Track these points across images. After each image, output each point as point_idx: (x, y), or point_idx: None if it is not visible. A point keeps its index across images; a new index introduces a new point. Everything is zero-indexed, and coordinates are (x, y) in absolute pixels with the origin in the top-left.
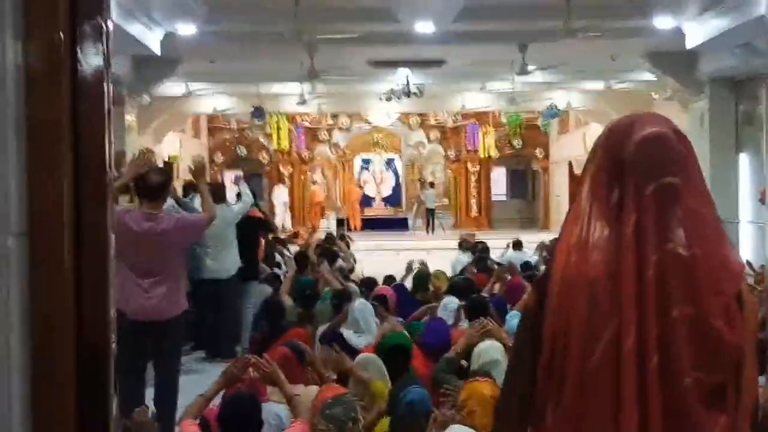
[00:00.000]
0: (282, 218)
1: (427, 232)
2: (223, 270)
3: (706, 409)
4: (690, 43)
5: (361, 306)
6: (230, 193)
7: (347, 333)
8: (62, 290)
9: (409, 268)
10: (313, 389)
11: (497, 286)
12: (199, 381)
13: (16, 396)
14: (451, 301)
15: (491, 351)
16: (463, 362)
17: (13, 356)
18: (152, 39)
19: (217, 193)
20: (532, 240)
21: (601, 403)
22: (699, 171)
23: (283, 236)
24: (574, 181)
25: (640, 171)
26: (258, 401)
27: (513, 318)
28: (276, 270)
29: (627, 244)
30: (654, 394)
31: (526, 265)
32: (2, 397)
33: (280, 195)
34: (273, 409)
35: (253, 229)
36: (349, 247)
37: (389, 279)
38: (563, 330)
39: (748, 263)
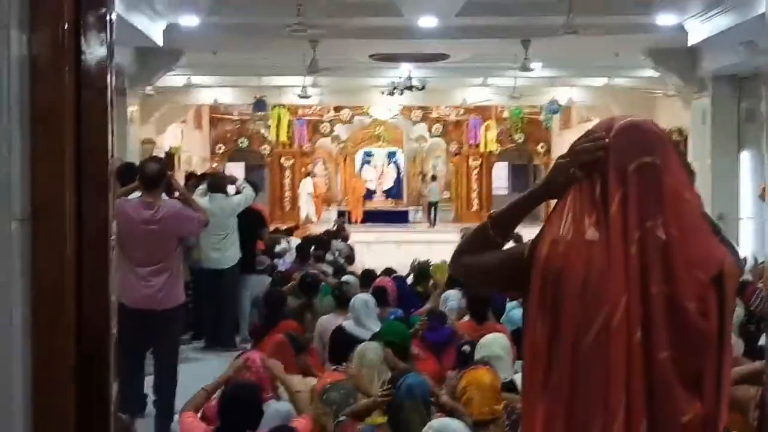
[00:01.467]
0: (306, 209)
1: (431, 225)
2: (224, 260)
3: (685, 390)
4: (692, 40)
5: (362, 299)
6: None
7: (348, 324)
8: (64, 275)
9: (413, 267)
10: (312, 380)
11: None
12: (198, 369)
13: (18, 381)
14: (452, 296)
15: (493, 346)
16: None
17: (14, 341)
18: (155, 30)
19: (217, 183)
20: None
21: (593, 385)
22: (679, 161)
23: (283, 227)
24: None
25: (620, 153)
26: (258, 390)
27: (513, 309)
28: (276, 261)
29: (614, 223)
30: (637, 370)
31: None
32: (3, 382)
33: (306, 186)
34: (276, 407)
35: (253, 222)
36: (346, 239)
37: (388, 271)
38: (554, 284)
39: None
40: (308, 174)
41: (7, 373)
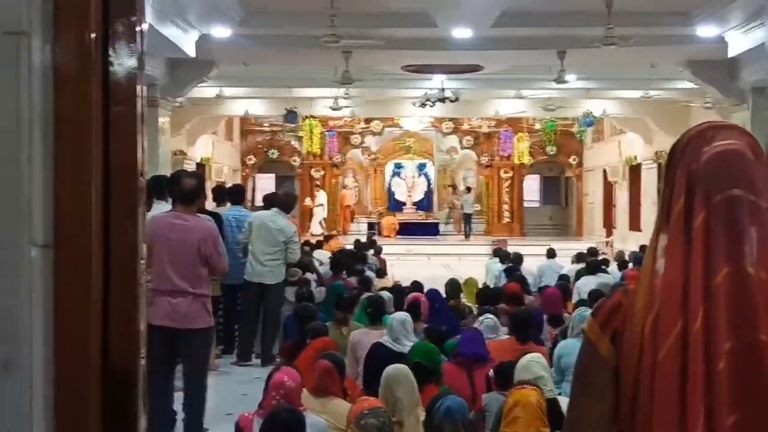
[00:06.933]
0: (317, 221)
1: (466, 237)
2: (271, 276)
3: None
4: (732, 52)
5: (399, 318)
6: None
7: (386, 340)
8: (88, 307)
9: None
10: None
11: (532, 298)
12: (226, 381)
13: (40, 420)
14: (488, 317)
15: (534, 367)
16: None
17: (35, 378)
18: (187, 41)
19: (235, 194)
20: (564, 248)
21: (666, 400)
22: None
23: (314, 241)
24: (608, 188)
25: (708, 182)
26: (302, 416)
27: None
28: (308, 275)
29: (695, 248)
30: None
31: (561, 277)
32: (24, 421)
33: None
34: (310, 421)
35: None
36: (379, 252)
37: (416, 285)
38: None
39: None
40: (318, 188)
41: (28, 415)
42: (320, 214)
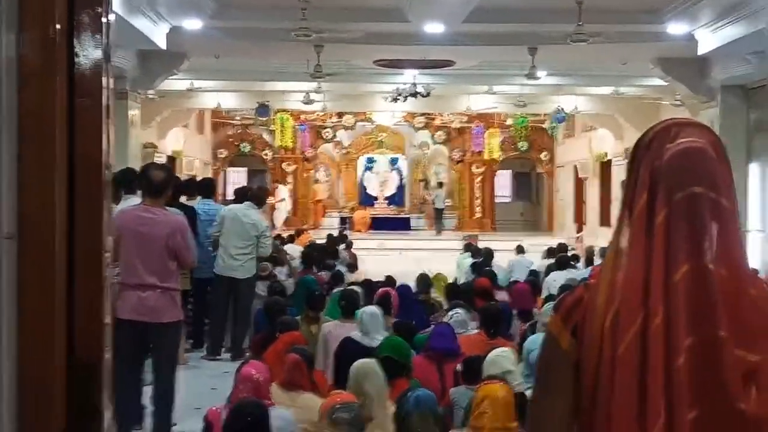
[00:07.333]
0: (280, 216)
1: (437, 232)
2: (242, 270)
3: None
4: (702, 50)
5: (369, 312)
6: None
7: (356, 335)
8: (53, 299)
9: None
10: (320, 400)
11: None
12: (197, 378)
13: (3, 410)
14: (457, 312)
15: (503, 361)
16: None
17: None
18: (158, 33)
19: (205, 188)
20: (535, 243)
21: (626, 395)
22: (731, 187)
23: (284, 235)
24: (579, 184)
25: (671, 179)
26: (266, 409)
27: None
28: (277, 269)
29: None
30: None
31: (531, 272)
32: None
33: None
34: (278, 414)
35: None
36: (350, 247)
37: (389, 280)
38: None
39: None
40: (281, 182)
41: None
42: (283, 209)
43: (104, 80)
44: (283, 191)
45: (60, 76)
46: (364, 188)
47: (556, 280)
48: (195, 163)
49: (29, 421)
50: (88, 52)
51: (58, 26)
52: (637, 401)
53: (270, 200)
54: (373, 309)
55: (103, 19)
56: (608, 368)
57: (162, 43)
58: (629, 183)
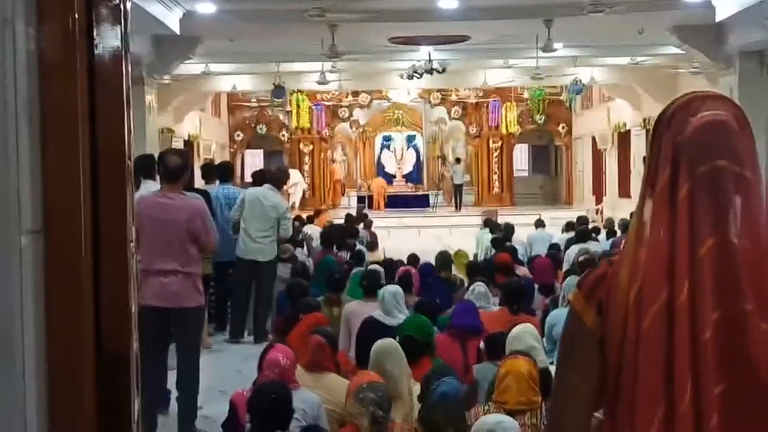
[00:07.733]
0: (293, 199)
1: (456, 208)
2: (264, 253)
3: None
4: (720, 16)
5: (391, 291)
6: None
7: (378, 314)
8: (79, 292)
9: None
10: (345, 381)
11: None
12: (220, 359)
13: (32, 403)
14: (479, 285)
15: (526, 337)
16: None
17: (27, 364)
18: (172, 18)
19: (224, 172)
20: (555, 216)
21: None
22: (755, 159)
23: (304, 216)
24: (597, 156)
25: (693, 153)
26: (289, 390)
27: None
28: (297, 250)
29: (680, 219)
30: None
31: (552, 246)
32: (18, 403)
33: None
34: (304, 396)
35: None
36: (369, 226)
37: (412, 258)
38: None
39: None
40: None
41: (21, 394)
42: (297, 193)
43: (124, 69)
44: (296, 175)
45: (81, 70)
46: (382, 166)
47: (576, 254)
48: (212, 146)
49: (59, 410)
50: (108, 43)
51: (77, 17)
52: (664, 376)
53: None
54: (394, 288)
55: (121, 9)
56: (633, 344)
57: (176, 28)
58: (651, 158)
